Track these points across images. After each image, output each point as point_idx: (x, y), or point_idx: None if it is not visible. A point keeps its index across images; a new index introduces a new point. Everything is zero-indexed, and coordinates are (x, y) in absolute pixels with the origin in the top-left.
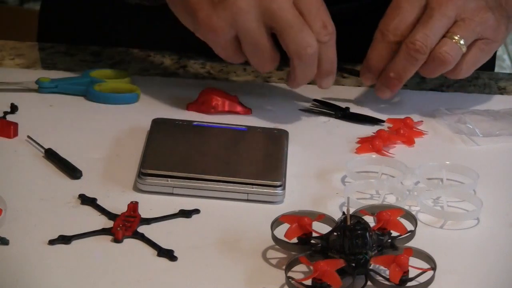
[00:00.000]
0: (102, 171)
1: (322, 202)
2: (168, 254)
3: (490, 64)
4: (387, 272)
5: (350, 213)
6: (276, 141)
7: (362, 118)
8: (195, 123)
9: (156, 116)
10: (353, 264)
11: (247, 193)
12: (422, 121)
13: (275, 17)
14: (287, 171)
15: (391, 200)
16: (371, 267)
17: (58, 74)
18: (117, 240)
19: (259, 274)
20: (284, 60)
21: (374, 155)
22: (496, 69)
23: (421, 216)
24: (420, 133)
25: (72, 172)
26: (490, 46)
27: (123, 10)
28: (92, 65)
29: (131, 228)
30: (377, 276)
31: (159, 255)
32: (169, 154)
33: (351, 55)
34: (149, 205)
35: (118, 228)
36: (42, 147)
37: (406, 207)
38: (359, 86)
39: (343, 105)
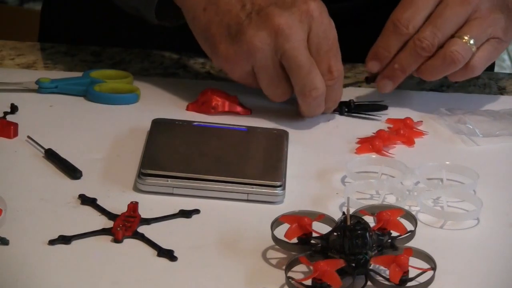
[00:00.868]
0: (102, 171)
1: (322, 202)
2: (168, 254)
3: (490, 64)
4: (387, 272)
5: (350, 213)
6: (276, 141)
7: (367, 108)
8: (195, 123)
9: (156, 116)
10: (353, 264)
11: (247, 193)
12: (421, 121)
13: (286, 56)
14: (287, 171)
15: (391, 200)
16: (371, 267)
17: (58, 74)
18: (117, 240)
19: (259, 274)
20: None
21: (374, 155)
22: (496, 69)
23: (421, 216)
24: (420, 133)
25: (72, 172)
26: (501, 45)
27: (123, 10)
28: (92, 65)
29: (131, 228)
30: (377, 276)
31: (159, 255)
32: (169, 154)
33: (351, 55)
34: (149, 205)
35: (118, 228)
36: (42, 147)
37: (406, 207)
38: (359, 86)
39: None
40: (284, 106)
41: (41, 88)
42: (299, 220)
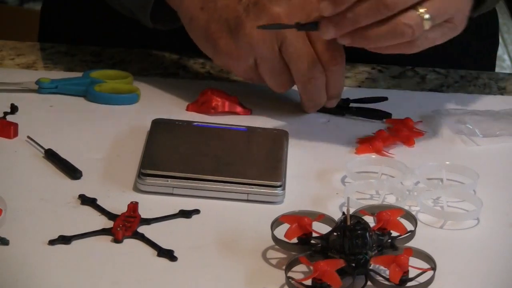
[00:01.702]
0: (102, 172)
1: (322, 202)
2: (168, 254)
3: (490, 64)
4: (387, 272)
5: (350, 213)
6: (276, 141)
7: (367, 113)
8: (195, 123)
9: (156, 117)
10: (353, 264)
11: (247, 193)
12: (421, 121)
13: (286, 44)
14: (287, 171)
15: (391, 200)
16: (371, 267)
17: (58, 75)
18: (117, 240)
19: (259, 274)
20: None
21: (374, 156)
22: (496, 69)
23: (421, 216)
24: (420, 134)
25: (72, 172)
26: (452, 33)
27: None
28: (92, 65)
29: (131, 228)
30: (377, 276)
31: (159, 255)
32: (169, 155)
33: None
34: (149, 205)
35: (118, 228)
36: (42, 147)
37: (406, 207)
38: (359, 86)
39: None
40: (284, 106)
41: (41, 88)
42: (299, 220)
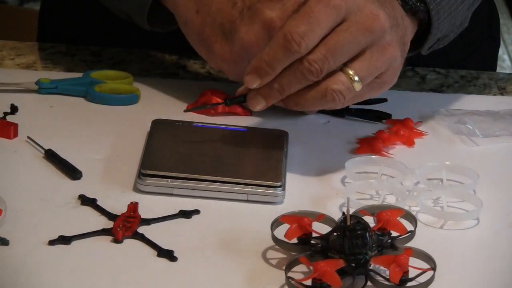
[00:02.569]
0: (102, 172)
1: (322, 202)
2: (168, 255)
3: (491, 64)
4: (387, 272)
5: (350, 213)
6: (276, 142)
7: (367, 114)
8: (195, 124)
9: (156, 117)
10: (353, 264)
11: (247, 194)
12: (421, 121)
13: None
14: (287, 171)
15: (391, 200)
16: (371, 267)
17: (58, 75)
18: (117, 241)
19: (259, 274)
20: None
21: (374, 156)
22: (496, 69)
23: (421, 217)
24: (420, 134)
25: (72, 172)
26: (383, 89)
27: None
28: (92, 65)
29: (131, 228)
30: (377, 276)
31: (159, 255)
32: (169, 155)
33: None
34: (149, 206)
35: (118, 229)
36: (42, 147)
37: (406, 208)
38: None
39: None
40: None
41: (41, 88)
42: (299, 220)
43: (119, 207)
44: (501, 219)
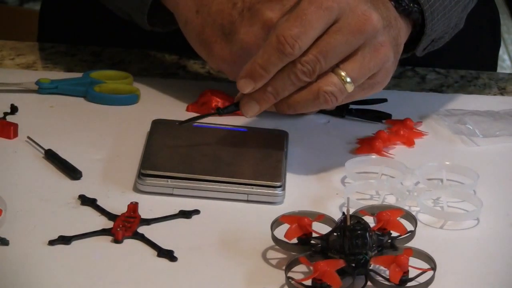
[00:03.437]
0: (102, 172)
1: (322, 202)
2: (168, 255)
3: (491, 64)
4: (387, 272)
5: (350, 213)
6: (276, 142)
7: (367, 114)
8: (195, 124)
9: (156, 117)
10: (353, 264)
11: (247, 194)
12: (421, 121)
13: None
14: (287, 171)
15: (391, 200)
16: (371, 267)
17: (58, 75)
18: (117, 241)
19: (259, 274)
20: None
21: (374, 156)
22: (497, 69)
23: (421, 217)
24: (420, 134)
25: (72, 172)
26: (375, 89)
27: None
28: (92, 65)
29: (131, 228)
30: (377, 276)
31: (159, 255)
32: (169, 155)
33: None
34: (149, 206)
35: (118, 229)
36: (42, 148)
37: (406, 208)
38: None
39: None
40: None
41: (41, 88)
42: (299, 220)
43: (119, 207)
44: (501, 219)
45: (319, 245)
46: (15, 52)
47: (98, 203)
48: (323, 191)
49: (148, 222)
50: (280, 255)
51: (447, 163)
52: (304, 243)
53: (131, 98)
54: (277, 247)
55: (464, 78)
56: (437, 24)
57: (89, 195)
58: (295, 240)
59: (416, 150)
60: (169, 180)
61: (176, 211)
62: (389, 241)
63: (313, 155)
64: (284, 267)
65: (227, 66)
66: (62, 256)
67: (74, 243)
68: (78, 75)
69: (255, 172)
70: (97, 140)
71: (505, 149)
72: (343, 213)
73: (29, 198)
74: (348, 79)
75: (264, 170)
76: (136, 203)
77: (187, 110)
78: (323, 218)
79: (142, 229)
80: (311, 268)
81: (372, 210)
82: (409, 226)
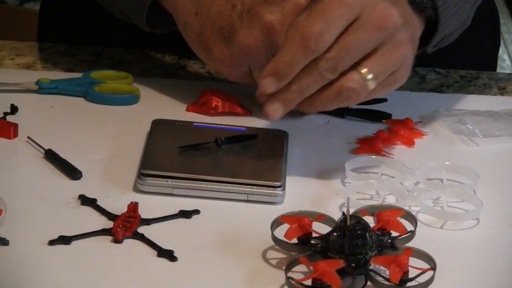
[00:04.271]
0: (102, 172)
1: (322, 202)
2: (168, 255)
3: (491, 64)
4: (387, 272)
5: (350, 213)
6: (276, 142)
7: (367, 114)
8: (195, 124)
9: (156, 117)
10: (353, 264)
11: (247, 194)
12: (421, 121)
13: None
14: (287, 171)
15: (391, 200)
16: (371, 267)
17: (58, 75)
18: (117, 241)
19: (259, 274)
20: None
21: (374, 156)
22: (496, 69)
23: (421, 217)
24: (420, 134)
25: (72, 172)
26: (395, 85)
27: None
28: (92, 65)
29: (131, 228)
30: (377, 276)
31: (159, 255)
32: (169, 155)
33: None
34: (149, 206)
35: (118, 229)
36: (42, 147)
37: (406, 208)
38: None
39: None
40: None
41: (41, 88)
42: (299, 220)
43: (119, 207)
44: (501, 219)
45: (319, 245)
46: (15, 52)
47: (98, 203)
48: (323, 191)
49: (148, 222)
50: (280, 255)
51: (447, 163)
52: (304, 243)
53: (131, 98)
54: (277, 247)
55: (464, 78)
56: (450, 20)
57: (89, 195)
58: (295, 240)
59: (416, 150)
60: (169, 180)
61: (176, 211)
62: (389, 241)
63: (313, 155)
64: (284, 267)
65: (226, 69)
66: (62, 256)
67: (74, 243)
68: (78, 75)
69: (255, 172)
70: (97, 140)
71: (505, 149)
72: (343, 213)
73: (29, 198)
74: (370, 76)
75: (264, 170)
76: (136, 203)
77: (187, 110)
78: (323, 218)
79: (142, 229)
80: (311, 268)
81: (372, 210)
82: (409, 226)
